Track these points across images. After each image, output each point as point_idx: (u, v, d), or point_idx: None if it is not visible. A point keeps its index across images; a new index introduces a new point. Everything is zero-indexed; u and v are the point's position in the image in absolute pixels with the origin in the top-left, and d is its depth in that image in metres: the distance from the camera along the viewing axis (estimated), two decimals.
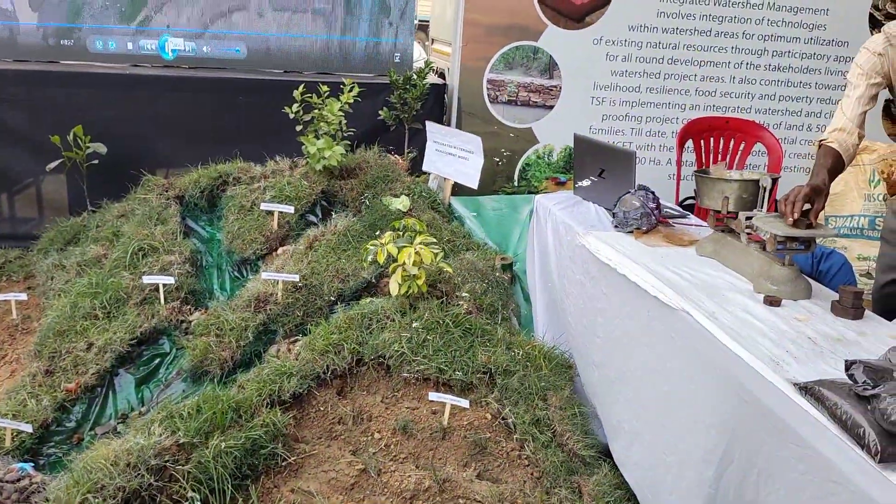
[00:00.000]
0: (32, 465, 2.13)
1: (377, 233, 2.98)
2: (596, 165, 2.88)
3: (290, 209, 3.19)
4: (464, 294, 2.76)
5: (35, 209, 3.86)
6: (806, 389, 1.52)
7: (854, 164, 3.41)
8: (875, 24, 4.01)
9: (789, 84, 4.14)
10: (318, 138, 3.39)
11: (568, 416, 2.35)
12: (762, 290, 2.05)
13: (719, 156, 3.65)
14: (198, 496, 1.87)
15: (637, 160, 2.75)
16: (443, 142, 3.66)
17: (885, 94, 2.40)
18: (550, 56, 3.97)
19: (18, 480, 1.97)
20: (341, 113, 3.44)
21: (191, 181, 3.42)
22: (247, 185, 3.40)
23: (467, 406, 2.30)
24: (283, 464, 2.07)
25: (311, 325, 2.68)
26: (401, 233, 2.70)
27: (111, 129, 3.70)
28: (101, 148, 3.54)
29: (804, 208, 2.04)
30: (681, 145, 3.64)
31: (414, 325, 2.50)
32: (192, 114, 3.91)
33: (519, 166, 4.12)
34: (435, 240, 2.70)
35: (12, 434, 2.23)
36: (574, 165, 3.13)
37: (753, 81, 4.13)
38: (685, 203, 3.81)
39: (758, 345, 1.74)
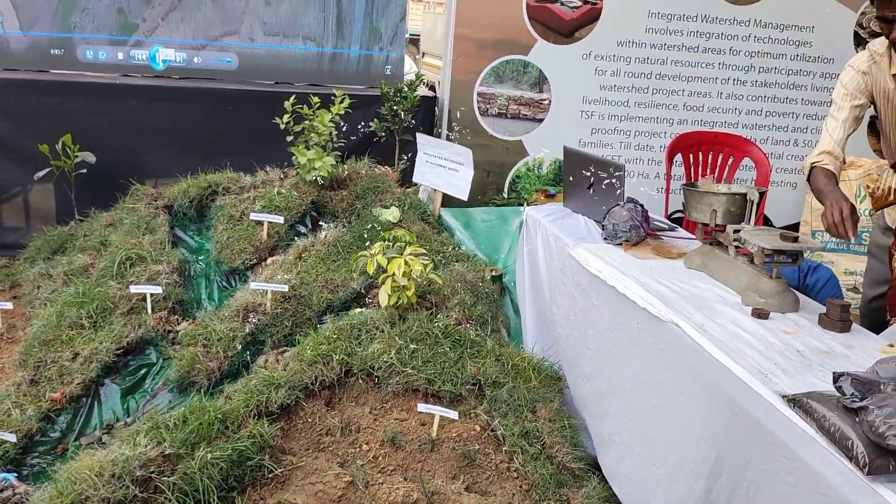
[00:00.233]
0: (16, 475, 2.10)
1: (367, 243, 2.97)
2: (586, 178, 2.90)
3: (280, 219, 3.18)
4: (453, 305, 2.76)
5: (22, 218, 3.82)
6: (794, 402, 1.52)
7: (840, 180, 3.44)
8: (860, 42, 4.07)
9: (776, 100, 4.19)
10: (309, 149, 3.38)
11: (557, 429, 2.34)
12: (750, 303, 2.06)
13: (708, 170, 3.68)
14: None
15: (626, 173, 2.76)
16: (433, 153, 3.67)
17: (871, 111, 2.43)
18: (540, 70, 4.00)
19: (1, 491, 1.94)
20: (332, 124, 3.43)
21: (180, 191, 3.40)
22: (236, 195, 3.38)
23: (456, 418, 2.28)
24: (270, 476, 2.04)
25: (300, 335, 2.66)
26: (390, 244, 2.70)
27: (100, 138, 3.68)
28: (90, 157, 3.52)
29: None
30: (670, 159, 3.66)
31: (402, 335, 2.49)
32: (182, 124, 3.89)
33: (509, 178, 4.13)
34: (424, 251, 2.70)
35: None
36: (563, 178, 3.15)
37: (740, 97, 4.17)
38: (674, 216, 3.83)
39: (746, 357, 1.74)
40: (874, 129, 2.47)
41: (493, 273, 3.19)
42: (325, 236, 3.18)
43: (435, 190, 3.69)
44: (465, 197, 3.56)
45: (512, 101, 4.03)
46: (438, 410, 2.27)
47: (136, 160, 3.79)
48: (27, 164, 3.60)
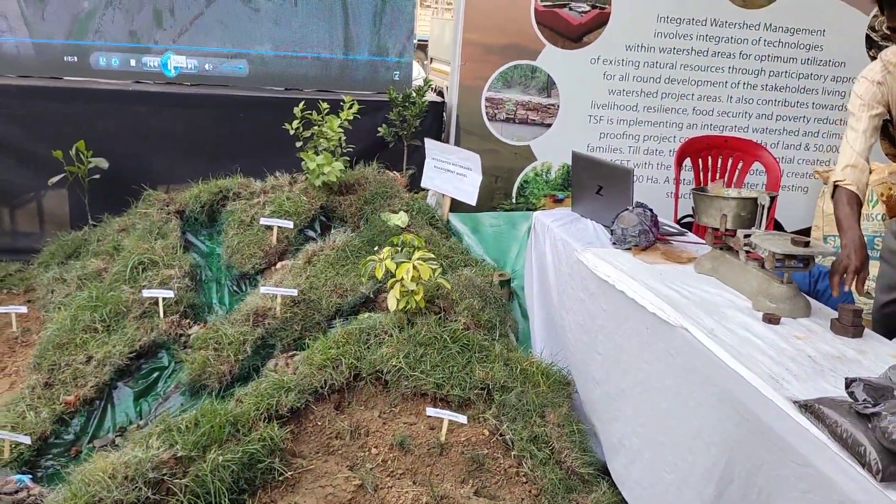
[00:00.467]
0: (31, 477, 2.12)
1: (375, 248, 2.98)
2: (594, 183, 2.89)
3: (290, 224, 3.20)
4: (462, 310, 2.76)
5: (36, 223, 3.86)
6: (806, 407, 1.51)
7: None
8: (872, 45, 4.05)
9: (787, 104, 4.17)
10: (318, 154, 3.40)
11: (566, 434, 2.34)
12: (761, 308, 2.05)
13: (717, 174, 3.66)
14: None
15: (635, 178, 2.75)
16: (441, 159, 3.67)
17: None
18: (548, 75, 4.00)
19: (17, 492, 1.96)
20: (341, 129, 3.45)
21: (191, 196, 3.42)
22: (246, 200, 3.40)
23: (465, 422, 2.28)
24: (280, 478, 2.05)
25: (310, 339, 2.67)
26: (399, 248, 2.70)
27: (113, 144, 3.71)
28: (103, 163, 3.55)
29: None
30: (679, 163, 3.65)
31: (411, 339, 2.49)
32: (193, 130, 3.92)
33: (517, 183, 4.13)
34: (433, 256, 2.70)
35: (11, 446, 2.21)
36: (572, 183, 3.14)
37: (751, 101, 4.15)
38: (683, 221, 3.81)
39: (757, 362, 1.73)
40: (887, 132, 2.45)
41: (502, 278, 3.19)
42: (335, 241, 3.19)
43: (443, 195, 3.69)
44: (473, 202, 3.56)
45: (520, 107, 4.03)
46: (447, 415, 2.27)
47: (149, 166, 3.82)
48: (41, 170, 3.63)
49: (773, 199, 2.27)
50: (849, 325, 1.90)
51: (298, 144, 3.48)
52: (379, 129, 3.90)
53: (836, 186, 2.27)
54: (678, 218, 3.76)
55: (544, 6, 3.90)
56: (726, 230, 2.30)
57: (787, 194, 4.18)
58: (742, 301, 2.13)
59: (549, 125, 4.07)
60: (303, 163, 3.41)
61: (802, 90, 4.14)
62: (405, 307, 2.58)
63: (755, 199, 2.27)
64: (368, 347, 2.50)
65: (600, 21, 3.96)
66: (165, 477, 1.87)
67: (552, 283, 2.85)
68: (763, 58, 4.09)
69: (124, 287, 2.87)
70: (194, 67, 4.06)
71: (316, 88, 4.16)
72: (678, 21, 3.99)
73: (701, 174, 3.68)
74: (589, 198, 2.94)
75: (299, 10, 4.05)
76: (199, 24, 3.99)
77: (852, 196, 2.22)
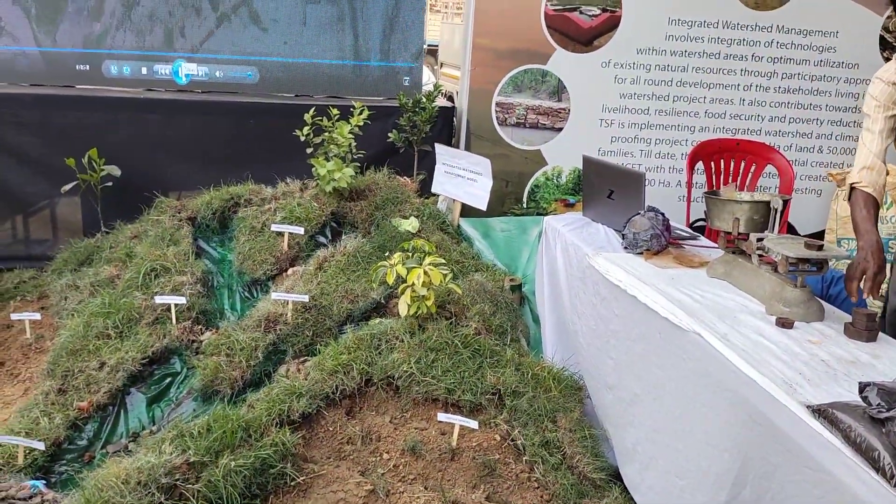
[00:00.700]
0: (45, 482, 2.14)
1: (386, 254, 3.00)
2: (605, 187, 2.90)
3: (300, 230, 3.22)
4: (473, 315, 2.77)
5: (49, 230, 3.91)
6: (820, 412, 1.51)
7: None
8: (885, 46, 4.03)
9: (799, 106, 4.15)
10: (329, 160, 3.43)
11: (578, 439, 2.34)
12: (774, 312, 2.05)
13: (730, 177, 3.66)
14: None
15: (646, 182, 2.76)
16: (452, 164, 3.69)
17: None
18: (559, 79, 4.01)
19: (31, 498, 1.98)
20: (351, 135, 3.47)
21: (203, 203, 3.46)
22: (258, 206, 3.43)
23: (476, 427, 2.29)
24: (292, 484, 2.07)
25: (321, 345, 2.69)
26: (410, 254, 2.72)
27: (125, 152, 3.76)
28: (115, 170, 3.60)
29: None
30: (691, 167, 3.65)
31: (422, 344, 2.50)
32: (204, 137, 3.97)
33: (528, 188, 4.14)
34: (444, 261, 2.71)
35: (25, 452, 2.24)
36: (583, 187, 3.15)
37: (763, 104, 4.14)
38: (695, 225, 3.81)
39: (770, 367, 1.73)
40: None
41: (513, 282, 3.20)
42: (345, 247, 3.21)
43: (454, 200, 3.71)
44: (483, 207, 3.57)
45: (530, 111, 4.05)
46: (458, 420, 2.28)
47: (161, 173, 3.87)
48: (54, 178, 3.68)
49: (786, 203, 2.27)
50: (863, 329, 1.90)
51: (309, 150, 3.51)
52: (389, 134, 3.92)
53: (852, 189, 2.27)
54: (690, 222, 3.76)
55: (554, 10, 3.91)
56: (739, 234, 2.30)
57: (801, 197, 4.16)
58: (755, 305, 2.13)
59: (560, 129, 4.08)
60: (313, 169, 3.44)
61: (815, 92, 4.13)
62: (416, 312, 2.60)
63: (768, 203, 2.27)
64: (380, 353, 2.52)
65: (611, 24, 3.97)
66: (178, 482, 1.89)
67: (563, 288, 2.85)
68: (775, 60, 4.08)
69: (137, 293, 2.91)
70: (205, 75, 4.11)
71: (326, 95, 4.20)
72: (689, 24, 3.99)
73: (713, 177, 3.68)
74: (600, 202, 2.95)
75: (309, 17, 4.08)
76: (210, 41, 4.04)
77: (869, 198, 2.21)
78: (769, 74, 4.10)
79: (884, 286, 2.56)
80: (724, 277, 2.34)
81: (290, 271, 3.15)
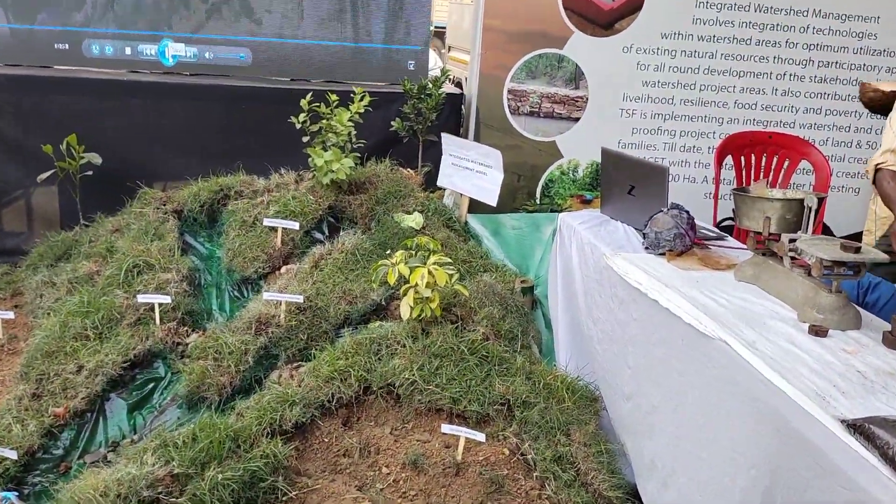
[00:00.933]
0: (17, 494, 2.16)
1: (388, 252, 3.01)
2: (625, 182, 2.90)
3: (295, 225, 3.24)
4: (480, 319, 2.78)
5: (24, 223, 3.94)
6: (855, 427, 1.51)
7: None
8: None
9: (837, 97, 4.16)
10: (326, 150, 3.44)
11: (593, 454, 2.35)
12: (807, 319, 2.05)
13: (761, 173, 3.66)
14: None
15: (670, 177, 2.76)
16: (460, 155, 3.70)
17: None
18: (576, 65, 4.02)
19: None
20: (351, 123, 3.49)
21: (190, 194, 3.48)
22: (249, 199, 3.45)
23: (483, 440, 2.30)
24: (284, 499, 2.08)
25: (316, 349, 2.70)
26: (413, 252, 2.73)
27: (107, 138, 3.78)
28: (96, 158, 3.62)
29: None
30: (719, 162, 3.65)
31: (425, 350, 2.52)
32: (192, 123, 3.99)
33: (541, 183, 4.15)
34: (450, 260, 2.73)
35: None
36: (601, 182, 3.16)
37: (798, 94, 4.15)
38: (723, 225, 3.81)
39: (802, 378, 1.74)
40: None
41: (524, 284, 3.21)
42: (344, 244, 3.23)
43: (461, 194, 3.72)
44: (493, 202, 3.58)
45: (545, 99, 4.06)
46: (464, 432, 2.29)
47: (145, 162, 3.89)
48: (30, 165, 3.71)
49: (821, 201, 2.27)
50: None
51: (305, 139, 3.53)
52: (392, 122, 3.94)
53: (878, 170, 2.30)
54: (717, 221, 3.76)
55: None
56: (770, 234, 2.31)
57: (837, 196, 4.17)
58: (786, 311, 2.13)
59: (577, 119, 4.09)
60: (310, 159, 3.45)
61: (854, 82, 4.13)
62: (419, 315, 2.61)
63: (802, 201, 2.27)
64: (379, 359, 2.53)
65: (634, 6, 3.97)
66: (161, 495, 1.91)
67: (579, 291, 2.86)
68: (811, 47, 4.08)
69: (118, 292, 2.93)
70: (193, 56, 4.12)
71: (324, 79, 4.22)
72: (719, 6, 4.00)
73: (743, 173, 3.68)
74: (619, 198, 2.95)
75: None
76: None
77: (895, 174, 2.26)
78: (804, 62, 4.10)
79: None
80: (753, 281, 2.34)
81: (283, 269, 3.17)
